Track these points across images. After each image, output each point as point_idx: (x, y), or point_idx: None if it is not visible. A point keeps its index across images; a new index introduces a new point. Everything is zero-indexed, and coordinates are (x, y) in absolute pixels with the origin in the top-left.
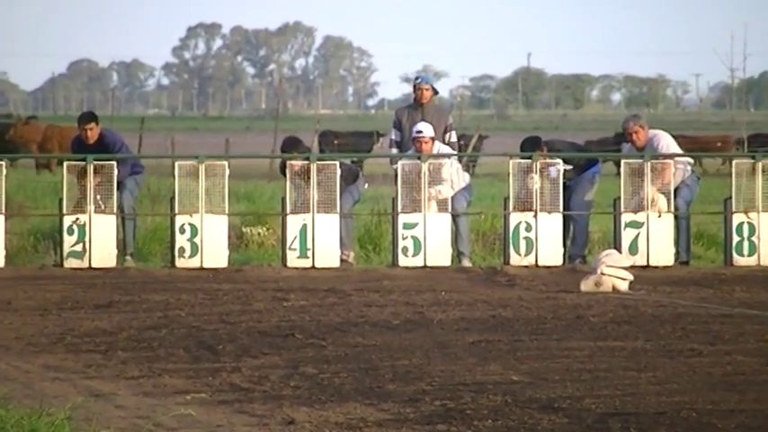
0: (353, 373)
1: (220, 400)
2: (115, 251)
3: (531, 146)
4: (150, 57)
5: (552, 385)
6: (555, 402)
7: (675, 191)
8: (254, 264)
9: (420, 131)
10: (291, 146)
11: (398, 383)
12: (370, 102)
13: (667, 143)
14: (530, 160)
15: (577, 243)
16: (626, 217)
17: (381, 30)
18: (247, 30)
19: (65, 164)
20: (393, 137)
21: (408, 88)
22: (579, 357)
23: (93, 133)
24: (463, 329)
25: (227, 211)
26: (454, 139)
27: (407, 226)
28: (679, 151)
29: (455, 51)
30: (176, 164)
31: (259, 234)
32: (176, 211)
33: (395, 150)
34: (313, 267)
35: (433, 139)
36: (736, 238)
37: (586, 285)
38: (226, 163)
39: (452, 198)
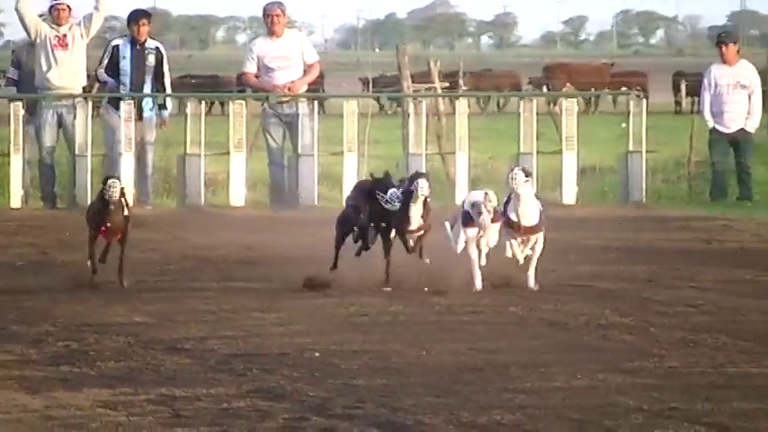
0: None
1: None
2: None
3: None
4: None
5: (176, 326)
6: (178, 343)
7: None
8: None
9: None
10: None
11: (22, 325)
12: None
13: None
14: None
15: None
16: None
17: None
18: None
19: None
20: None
21: None
22: (204, 298)
23: None
24: (90, 271)
25: None
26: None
27: None
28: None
29: None
30: None
31: None
32: None
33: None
34: None
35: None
36: None
37: None
38: None
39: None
